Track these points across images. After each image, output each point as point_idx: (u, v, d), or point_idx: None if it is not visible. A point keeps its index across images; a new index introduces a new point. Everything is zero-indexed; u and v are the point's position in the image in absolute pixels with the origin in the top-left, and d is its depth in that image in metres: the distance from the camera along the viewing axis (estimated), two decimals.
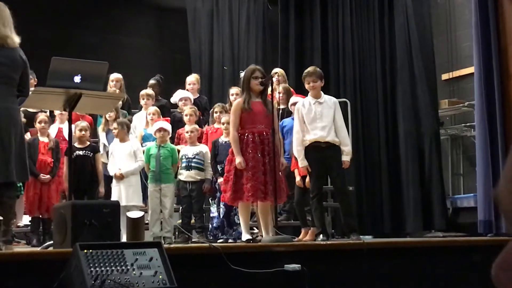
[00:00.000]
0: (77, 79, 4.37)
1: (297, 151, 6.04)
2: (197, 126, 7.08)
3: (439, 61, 9.55)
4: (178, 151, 6.93)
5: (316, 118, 6.02)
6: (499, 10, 6.81)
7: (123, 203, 6.54)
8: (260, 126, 5.52)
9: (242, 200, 5.48)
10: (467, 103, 9.05)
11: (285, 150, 6.91)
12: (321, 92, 6.19)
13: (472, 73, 7.25)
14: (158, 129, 6.81)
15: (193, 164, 6.77)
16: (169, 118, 7.47)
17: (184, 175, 6.77)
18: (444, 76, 9.84)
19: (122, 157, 6.79)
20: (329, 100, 6.15)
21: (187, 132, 6.94)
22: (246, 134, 5.50)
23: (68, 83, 4.35)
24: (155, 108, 7.54)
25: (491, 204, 6.60)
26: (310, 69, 6.28)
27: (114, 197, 6.61)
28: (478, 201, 6.86)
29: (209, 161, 6.81)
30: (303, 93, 8.17)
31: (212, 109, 7.53)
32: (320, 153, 5.98)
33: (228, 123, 6.70)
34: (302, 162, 6.02)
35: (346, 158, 6.03)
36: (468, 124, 9.30)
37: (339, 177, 6.07)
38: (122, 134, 6.88)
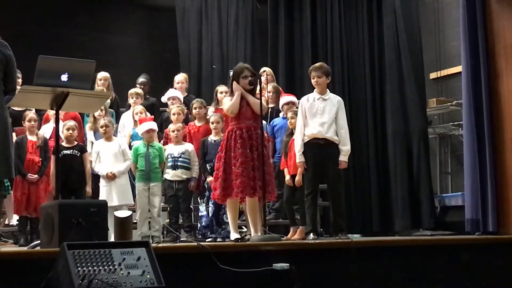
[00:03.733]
0: (64, 77, 4.35)
1: (298, 145, 6.06)
2: (181, 125, 7.06)
3: (427, 60, 9.59)
4: (164, 150, 6.93)
5: (317, 114, 6.05)
6: (487, 9, 6.84)
7: (114, 203, 6.55)
8: (248, 121, 5.52)
9: (231, 197, 5.47)
10: (455, 102, 9.11)
11: (276, 149, 6.92)
12: (327, 89, 6.19)
13: (460, 72, 7.28)
14: (146, 131, 6.80)
15: (179, 163, 6.77)
16: (153, 117, 7.42)
17: (170, 174, 6.76)
18: (432, 75, 9.89)
19: (109, 156, 6.78)
20: (334, 98, 6.17)
21: (173, 131, 6.93)
22: (234, 130, 5.50)
23: (55, 81, 4.32)
24: (141, 106, 7.54)
25: (478, 202, 6.63)
26: (317, 64, 6.31)
27: (103, 197, 6.56)
28: (465, 199, 6.88)
29: (195, 159, 6.81)
30: (293, 92, 8.19)
31: (191, 106, 7.46)
32: (318, 150, 5.99)
33: (217, 122, 6.72)
34: (300, 158, 6.03)
35: (343, 158, 6.03)
36: (456, 123, 9.35)
37: (334, 176, 6.07)
38: (111, 133, 6.89)
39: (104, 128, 6.86)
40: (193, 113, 7.30)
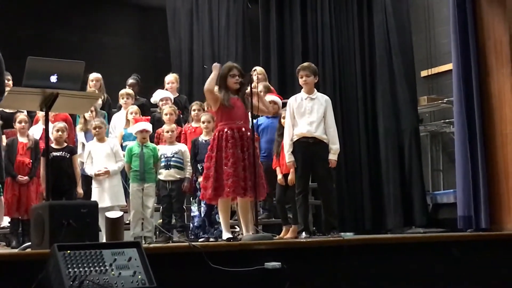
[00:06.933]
0: (53, 78, 4.33)
1: (287, 145, 6.07)
2: (175, 126, 7.06)
3: (418, 58, 9.62)
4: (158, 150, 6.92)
5: (305, 113, 6.05)
6: (477, 6, 6.86)
7: (106, 204, 6.53)
8: (239, 122, 5.52)
9: (222, 196, 5.47)
10: (446, 99, 9.12)
11: (261, 148, 6.92)
12: (315, 89, 6.19)
13: (451, 70, 7.29)
14: (140, 131, 6.79)
15: (172, 163, 6.76)
16: (149, 117, 7.45)
17: (164, 174, 6.75)
18: (423, 73, 9.91)
19: (101, 157, 6.76)
20: (321, 97, 6.17)
21: (167, 132, 6.92)
22: (226, 130, 5.49)
23: (44, 83, 4.30)
24: (136, 107, 7.53)
25: (470, 199, 6.65)
26: (304, 63, 6.32)
27: (95, 198, 6.54)
28: (457, 197, 6.90)
29: (188, 159, 6.80)
30: (284, 91, 8.19)
31: (190, 107, 7.51)
32: (307, 149, 6.00)
33: (208, 121, 6.71)
34: (289, 157, 6.03)
35: (333, 156, 6.03)
36: (447, 120, 9.38)
37: (324, 175, 6.07)
38: (103, 134, 6.87)
39: (96, 129, 6.84)
40: (192, 115, 7.31)
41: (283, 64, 9.22)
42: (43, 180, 6.51)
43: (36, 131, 7.11)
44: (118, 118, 7.70)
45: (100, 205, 6.21)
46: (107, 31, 10.37)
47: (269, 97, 7.03)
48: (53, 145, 6.62)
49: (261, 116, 7.16)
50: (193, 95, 8.99)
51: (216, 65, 5.65)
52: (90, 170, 6.76)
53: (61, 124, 6.73)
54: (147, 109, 7.98)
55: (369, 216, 9.16)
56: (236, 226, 6.77)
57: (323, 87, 8.99)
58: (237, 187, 5.36)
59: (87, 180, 6.96)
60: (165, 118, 7.16)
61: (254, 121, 7.08)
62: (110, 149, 6.83)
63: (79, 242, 3.55)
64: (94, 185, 6.76)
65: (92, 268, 3.36)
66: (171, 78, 8.19)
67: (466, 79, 6.79)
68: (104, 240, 4.91)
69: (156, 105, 7.94)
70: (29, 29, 9.39)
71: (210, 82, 5.56)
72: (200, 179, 6.36)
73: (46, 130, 4.60)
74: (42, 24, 9.58)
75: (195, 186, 6.78)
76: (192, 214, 6.85)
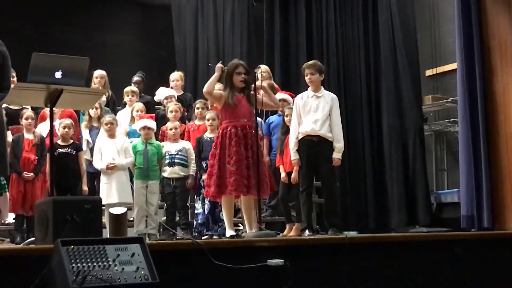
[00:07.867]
0: (58, 74, 4.34)
1: (293, 143, 6.07)
2: (178, 123, 7.07)
3: (423, 57, 9.62)
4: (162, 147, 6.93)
5: (310, 111, 6.04)
6: (481, 5, 6.87)
7: (115, 200, 6.52)
8: (243, 120, 5.52)
9: (225, 194, 5.48)
10: (451, 98, 9.12)
11: (272, 146, 6.93)
12: (322, 87, 6.19)
13: (456, 69, 7.29)
14: (142, 127, 6.81)
15: (176, 160, 6.78)
16: (153, 115, 7.47)
17: (168, 171, 6.77)
18: (428, 72, 9.91)
19: (112, 153, 6.75)
20: (327, 95, 6.15)
21: (170, 129, 6.94)
22: (229, 128, 5.49)
23: (49, 79, 4.32)
24: (142, 104, 7.54)
25: (473, 199, 6.65)
26: (310, 61, 6.32)
27: (104, 194, 6.55)
28: (461, 196, 6.91)
29: (192, 157, 6.81)
30: (289, 89, 8.18)
31: (193, 105, 7.53)
32: (311, 148, 5.99)
33: (213, 119, 6.72)
34: (295, 155, 6.04)
35: (337, 155, 6.00)
36: (451, 119, 9.37)
37: (327, 174, 6.07)
38: (114, 131, 6.88)
39: (108, 125, 6.84)
40: (195, 113, 7.32)
41: (287, 62, 9.23)
42: (49, 177, 6.52)
43: (44, 128, 7.12)
44: (123, 115, 7.72)
45: (108, 201, 6.28)
46: (111, 29, 10.40)
47: (280, 95, 7.04)
48: (59, 142, 6.65)
49: (265, 110, 7.19)
50: (197, 93, 9.00)
51: (219, 66, 5.64)
52: (99, 165, 6.76)
53: (68, 121, 6.75)
54: (152, 107, 8.01)
55: (373, 215, 9.16)
56: (240, 224, 6.78)
57: (328, 85, 8.99)
58: (239, 185, 5.36)
59: (92, 177, 6.97)
60: (170, 115, 7.17)
61: (266, 119, 7.15)
62: (120, 146, 6.82)
63: (82, 238, 3.56)
64: (103, 181, 6.75)
65: (95, 263, 3.36)
66: (176, 76, 8.21)
67: (470, 78, 6.80)
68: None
69: (160, 103, 7.96)
70: (32, 28, 9.42)
71: (210, 84, 5.56)
72: (205, 176, 6.39)
73: (50, 126, 4.62)
74: (46, 23, 9.61)
75: (199, 183, 6.80)
76: (196, 211, 6.86)
